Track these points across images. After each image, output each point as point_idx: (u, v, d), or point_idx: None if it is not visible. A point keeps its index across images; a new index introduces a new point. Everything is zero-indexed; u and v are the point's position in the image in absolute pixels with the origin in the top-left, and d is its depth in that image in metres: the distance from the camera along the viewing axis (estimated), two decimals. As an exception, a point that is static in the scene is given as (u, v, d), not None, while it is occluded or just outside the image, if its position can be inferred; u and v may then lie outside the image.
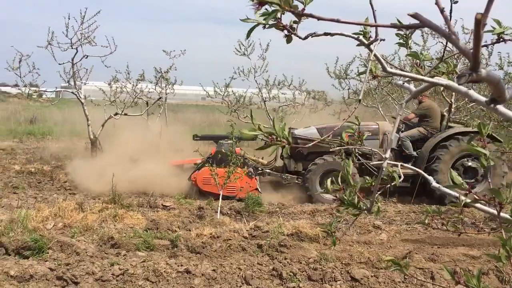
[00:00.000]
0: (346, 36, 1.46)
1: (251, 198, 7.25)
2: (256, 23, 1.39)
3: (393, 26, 1.06)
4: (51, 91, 11.58)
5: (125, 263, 4.71)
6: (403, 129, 8.89)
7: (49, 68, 11.28)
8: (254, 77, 13.33)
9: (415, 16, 0.81)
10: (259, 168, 8.44)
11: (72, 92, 11.27)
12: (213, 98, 14.36)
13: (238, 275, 4.59)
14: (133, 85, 12.44)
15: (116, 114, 11.30)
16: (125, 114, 11.57)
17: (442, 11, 0.84)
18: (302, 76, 15.09)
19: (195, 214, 6.86)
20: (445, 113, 8.87)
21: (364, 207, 1.76)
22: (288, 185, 8.48)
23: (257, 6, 1.04)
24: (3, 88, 37.72)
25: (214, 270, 4.63)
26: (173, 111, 20.38)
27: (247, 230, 5.99)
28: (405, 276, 4.55)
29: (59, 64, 10.89)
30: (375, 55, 1.44)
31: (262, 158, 8.81)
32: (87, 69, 11.24)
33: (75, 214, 6.37)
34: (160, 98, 12.88)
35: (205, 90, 14.36)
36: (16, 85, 11.51)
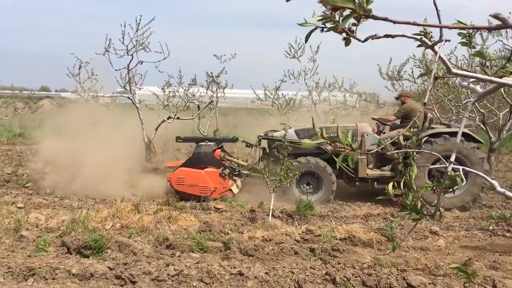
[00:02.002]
0: (409, 37, 1.43)
1: (302, 201, 7.21)
2: (314, 27, 1.39)
3: (474, 27, 1.02)
4: (108, 96, 12.05)
5: (180, 264, 4.81)
6: (384, 131, 8.62)
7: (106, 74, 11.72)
8: (304, 80, 13.30)
9: (497, 17, 0.77)
10: (236, 170, 8.45)
11: (128, 97, 11.66)
12: (263, 101, 14.42)
13: (291, 279, 4.57)
14: (185, 89, 12.72)
15: (169, 118, 11.58)
16: (178, 118, 11.83)
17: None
18: (353, 78, 14.90)
19: (246, 216, 6.90)
20: (428, 114, 8.50)
21: (426, 212, 1.71)
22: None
23: (330, 11, 1.04)
24: (63, 94, 39.55)
25: (266, 273, 4.64)
26: (223, 114, 20.62)
27: (299, 234, 5.96)
28: (465, 284, 4.37)
29: (116, 70, 11.32)
30: (439, 56, 1.39)
31: (247, 160, 8.80)
32: (141, 75, 11.61)
33: (131, 215, 6.58)
34: (211, 101, 13.07)
35: (255, 93, 14.45)
36: (75, 91, 12.06)
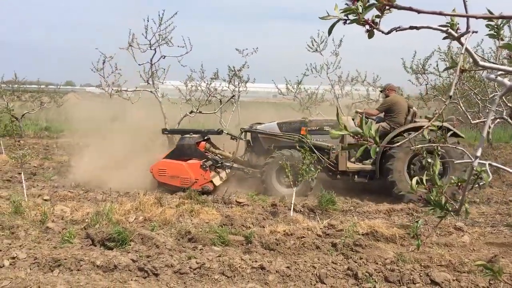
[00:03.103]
0: (434, 29, 1.39)
1: (324, 196, 7.17)
2: (337, 19, 1.36)
3: (501, 17, 0.99)
4: (131, 91, 12.17)
5: (201, 257, 4.84)
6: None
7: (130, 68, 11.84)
8: (327, 74, 13.19)
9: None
10: (219, 162, 8.51)
11: (151, 91, 11.76)
12: (285, 95, 14.38)
13: (312, 273, 4.55)
14: (207, 83, 12.76)
15: (191, 112, 11.64)
16: (200, 112, 11.89)
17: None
18: (376, 71, 14.74)
19: (268, 211, 6.90)
20: (412, 108, 8.34)
21: (451, 208, 1.68)
22: (251, 178, 8.61)
23: (352, 1, 1.02)
24: (88, 89, 40.14)
25: (288, 267, 4.64)
26: (245, 108, 20.65)
27: (320, 228, 5.93)
28: (491, 281, 4.29)
29: (139, 64, 11.42)
30: (466, 48, 1.36)
31: (233, 153, 8.81)
32: (164, 69, 11.69)
33: (154, 208, 6.66)
34: (233, 96, 13.09)
35: (277, 88, 14.42)
36: (99, 85, 12.23)
